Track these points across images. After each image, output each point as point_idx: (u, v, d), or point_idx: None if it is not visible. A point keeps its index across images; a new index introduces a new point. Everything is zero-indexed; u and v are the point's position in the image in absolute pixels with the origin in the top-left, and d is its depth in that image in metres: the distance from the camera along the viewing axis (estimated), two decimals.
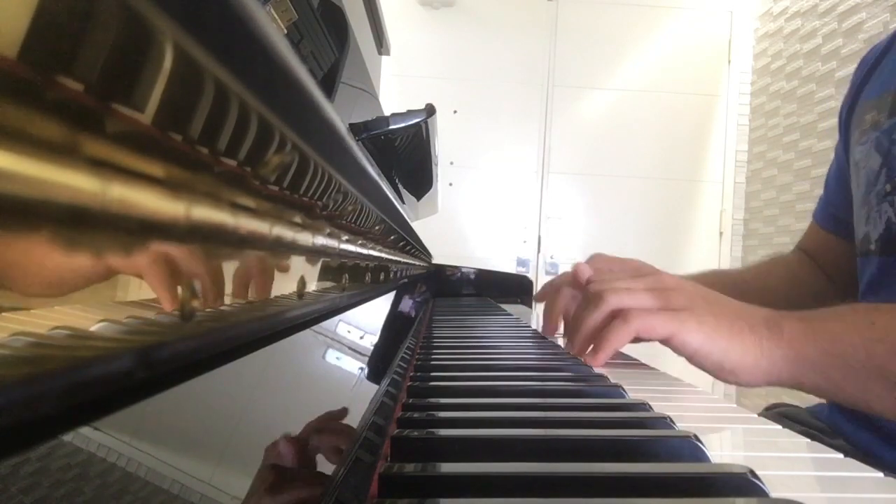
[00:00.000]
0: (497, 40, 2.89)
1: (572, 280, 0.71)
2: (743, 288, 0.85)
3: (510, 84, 2.90)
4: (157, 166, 0.14)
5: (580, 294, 0.72)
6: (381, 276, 0.61)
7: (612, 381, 0.46)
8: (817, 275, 0.88)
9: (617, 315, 0.55)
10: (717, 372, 0.52)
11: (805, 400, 0.76)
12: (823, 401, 0.79)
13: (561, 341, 0.71)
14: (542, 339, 0.72)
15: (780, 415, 0.81)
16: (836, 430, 0.73)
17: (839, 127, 0.85)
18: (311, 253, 0.29)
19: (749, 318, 0.52)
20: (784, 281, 0.88)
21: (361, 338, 0.44)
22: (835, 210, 0.86)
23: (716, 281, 0.85)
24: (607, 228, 2.91)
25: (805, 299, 0.85)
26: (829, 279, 0.87)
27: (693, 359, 0.52)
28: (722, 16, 2.90)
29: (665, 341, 0.53)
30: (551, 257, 2.91)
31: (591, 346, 0.57)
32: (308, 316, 0.30)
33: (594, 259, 0.79)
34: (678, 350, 0.52)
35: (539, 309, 0.84)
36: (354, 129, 0.48)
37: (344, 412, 0.29)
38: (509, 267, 2.87)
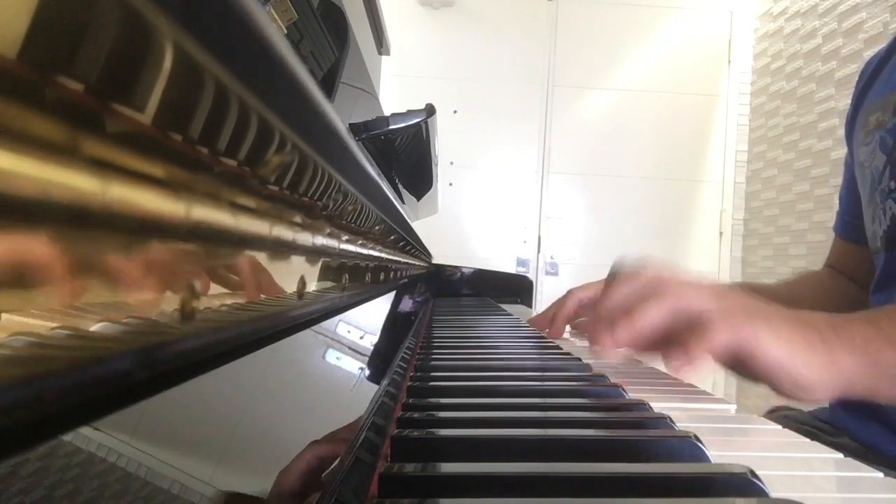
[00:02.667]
0: (497, 40, 2.89)
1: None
2: (777, 299, 0.82)
3: (510, 84, 2.90)
4: (157, 166, 0.14)
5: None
6: (381, 276, 0.61)
7: (612, 380, 0.46)
8: (849, 286, 0.87)
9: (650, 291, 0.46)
10: (792, 390, 0.43)
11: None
12: (825, 404, 0.79)
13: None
14: (541, 338, 0.72)
15: (784, 417, 0.81)
16: (839, 427, 0.73)
17: (846, 138, 0.85)
18: (311, 253, 0.29)
19: (816, 325, 0.45)
20: (817, 292, 0.87)
21: (361, 338, 0.44)
22: (851, 219, 0.86)
23: (752, 290, 0.84)
24: (607, 228, 2.91)
25: (839, 310, 0.83)
26: (862, 288, 0.86)
27: (766, 375, 0.43)
28: (722, 16, 2.90)
29: (734, 349, 0.43)
30: (551, 257, 2.91)
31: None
32: (308, 316, 0.30)
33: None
34: (752, 362, 0.43)
35: (540, 309, 0.84)
36: (354, 129, 0.48)
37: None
38: (509, 267, 2.87)
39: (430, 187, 1.06)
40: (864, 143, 0.74)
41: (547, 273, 2.89)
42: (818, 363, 0.43)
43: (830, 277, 0.90)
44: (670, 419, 0.33)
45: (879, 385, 0.45)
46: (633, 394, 0.41)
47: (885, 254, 0.70)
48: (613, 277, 0.51)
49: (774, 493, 0.24)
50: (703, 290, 0.46)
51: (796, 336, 0.44)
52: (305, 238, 0.27)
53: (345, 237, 0.38)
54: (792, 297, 0.84)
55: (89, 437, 0.12)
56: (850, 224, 0.87)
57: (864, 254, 0.83)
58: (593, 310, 0.51)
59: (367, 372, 0.39)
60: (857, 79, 0.83)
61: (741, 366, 0.44)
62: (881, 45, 0.83)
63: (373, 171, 0.38)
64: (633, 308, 0.46)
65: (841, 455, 0.33)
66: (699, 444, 0.29)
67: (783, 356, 0.42)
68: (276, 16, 0.33)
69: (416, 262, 1.10)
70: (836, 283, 0.89)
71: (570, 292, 0.78)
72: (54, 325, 0.11)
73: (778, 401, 0.81)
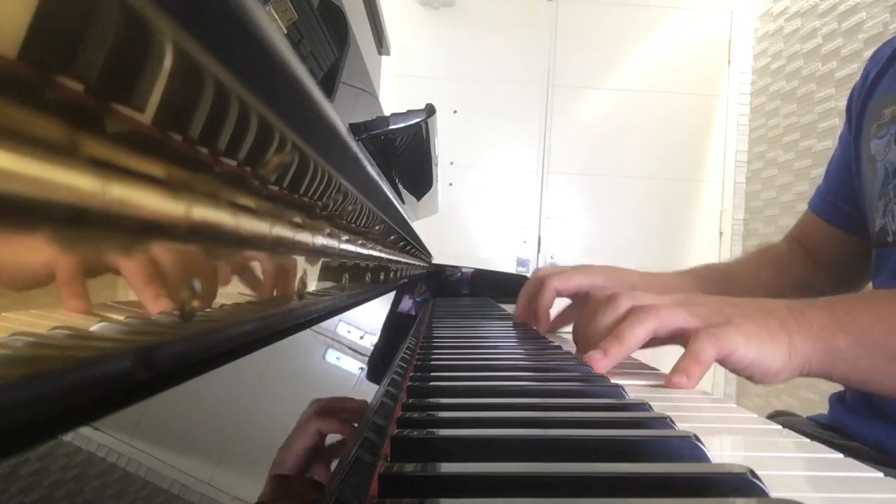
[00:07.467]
0: (497, 40, 2.89)
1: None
2: (732, 280, 0.86)
3: (510, 84, 2.90)
4: (157, 166, 0.14)
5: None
6: (381, 276, 0.61)
7: (612, 381, 0.46)
8: (807, 265, 0.88)
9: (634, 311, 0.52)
10: (762, 378, 0.50)
11: (804, 409, 0.76)
12: (824, 411, 0.79)
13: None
14: (542, 338, 0.72)
15: (781, 424, 0.80)
16: (842, 431, 0.72)
17: (847, 116, 0.84)
18: (311, 253, 0.29)
19: (776, 314, 0.51)
20: (774, 273, 0.88)
21: (361, 338, 0.44)
22: (834, 199, 0.86)
23: (707, 275, 0.86)
24: (607, 228, 2.91)
25: (795, 290, 0.85)
26: (821, 269, 0.87)
27: (740, 370, 0.50)
28: (722, 16, 2.90)
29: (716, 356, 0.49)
30: (551, 257, 2.91)
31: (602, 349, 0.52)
32: (308, 316, 0.30)
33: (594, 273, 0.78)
34: (727, 362, 0.49)
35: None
36: (354, 129, 0.48)
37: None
38: (509, 267, 2.87)
39: (430, 187, 1.06)
40: (877, 135, 0.73)
41: None
42: (780, 350, 0.49)
43: (790, 254, 0.90)
44: (670, 419, 0.33)
45: (832, 368, 0.50)
46: (632, 393, 0.41)
47: None
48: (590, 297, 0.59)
49: (774, 493, 0.24)
50: (675, 305, 0.53)
51: (760, 331, 0.50)
52: (305, 238, 0.27)
53: (345, 237, 0.38)
54: (748, 283, 0.85)
55: (89, 437, 0.12)
56: (831, 204, 0.86)
57: (836, 237, 0.84)
58: (581, 334, 0.58)
59: (367, 372, 0.39)
60: (868, 60, 0.81)
61: (720, 363, 0.50)
62: (881, 45, 0.82)
63: (373, 171, 0.38)
64: (620, 332, 0.52)
65: (841, 455, 0.33)
66: (699, 444, 0.29)
67: (751, 354, 0.49)
68: (276, 16, 0.33)
69: (416, 262, 1.10)
70: (793, 261, 0.89)
71: (544, 284, 0.78)
72: (54, 325, 0.11)
73: (776, 406, 0.81)
